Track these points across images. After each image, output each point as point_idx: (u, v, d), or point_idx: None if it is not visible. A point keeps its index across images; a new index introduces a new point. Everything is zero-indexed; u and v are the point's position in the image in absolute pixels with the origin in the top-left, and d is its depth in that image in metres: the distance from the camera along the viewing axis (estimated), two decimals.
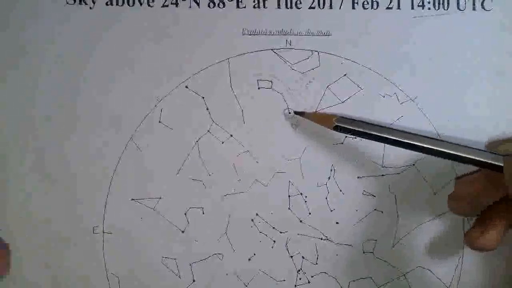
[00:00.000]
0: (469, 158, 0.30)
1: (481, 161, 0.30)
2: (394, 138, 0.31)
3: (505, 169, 0.29)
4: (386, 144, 0.33)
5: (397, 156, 0.35)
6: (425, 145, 0.31)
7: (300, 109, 0.34)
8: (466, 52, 0.35)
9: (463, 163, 0.30)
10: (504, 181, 0.29)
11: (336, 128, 0.32)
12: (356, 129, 0.32)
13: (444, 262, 0.35)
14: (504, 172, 0.29)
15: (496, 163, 0.29)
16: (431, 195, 0.35)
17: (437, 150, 0.30)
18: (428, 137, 0.31)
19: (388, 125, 0.34)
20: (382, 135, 0.31)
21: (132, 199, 0.34)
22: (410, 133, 0.31)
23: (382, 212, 0.35)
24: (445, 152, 0.30)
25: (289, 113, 0.35)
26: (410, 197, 0.35)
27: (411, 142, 0.31)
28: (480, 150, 0.30)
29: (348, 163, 0.35)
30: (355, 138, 0.34)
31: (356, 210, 0.35)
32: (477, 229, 0.32)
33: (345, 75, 0.35)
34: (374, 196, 0.35)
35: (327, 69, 0.35)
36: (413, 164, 0.35)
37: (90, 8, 0.34)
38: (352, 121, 0.33)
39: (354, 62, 0.35)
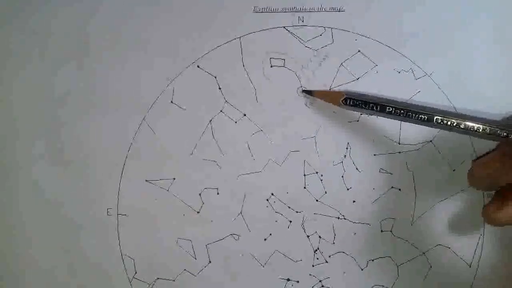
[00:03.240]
0: (485, 130, 0.29)
1: (497, 131, 0.29)
2: (406, 110, 0.30)
3: None
4: (401, 121, 0.33)
5: (414, 132, 0.34)
6: (439, 117, 0.30)
7: (314, 87, 0.34)
8: (480, 24, 0.34)
9: (479, 137, 0.30)
10: None
11: (345, 104, 0.31)
12: (364, 105, 0.31)
13: (465, 239, 0.34)
14: None
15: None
16: (449, 172, 0.34)
17: (451, 123, 0.30)
18: (441, 110, 0.30)
19: (402, 100, 0.33)
20: (393, 109, 0.30)
21: (146, 181, 0.34)
22: (422, 106, 0.31)
23: (399, 189, 0.34)
24: (459, 125, 0.29)
25: (302, 91, 0.34)
26: (428, 174, 0.34)
27: (424, 116, 0.30)
28: (496, 121, 0.30)
29: (364, 141, 0.34)
30: (370, 116, 0.34)
31: (373, 188, 0.34)
32: (494, 203, 0.31)
33: (359, 51, 0.34)
34: (391, 174, 0.34)
35: (340, 46, 0.34)
36: (431, 141, 0.34)
37: None
38: (360, 97, 0.32)
39: (368, 38, 0.34)
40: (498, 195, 0.31)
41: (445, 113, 0.30)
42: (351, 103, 0.31)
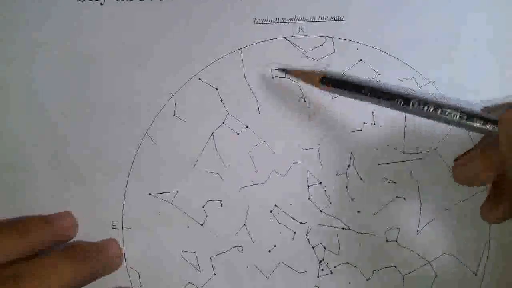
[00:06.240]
0: (462, 119, 0.29)
1: (473, 120, 0.29)
2: (383, 93, 0.30)
3: (500, 122, 0.27)
4: (405, 129, 0.33)
5: (418, 141, 0.34)
6: (415, 101, 0.29)
7: (316, 97, 0.34)
8: (482, 30, 0.34)
9: (457, 126, 0.29)
10: (499, 156, 0.28)
11: (323, 84, 0.31)
12: (342, 85, 0.31)
13: (470, 248, 0.34)
14: (499, 130, 0.27)
15: (492, 117, 0.28)
16: (454, 180, 0.34)
17: (427, 108, 0.29)
18: (421, 96, 0.30)
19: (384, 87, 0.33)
20: (369, 91, 0.30)
21: (150, 194, 0.34)
22: (402, 92, 0.30)
23: (404, 199, 0.34)
24: (436, 111, 0.29)
25: (305, 101, 0.34)
26: (433, 183, 0.34)
27: (401, 100, 0.30)
28: (476, 111, 0.29)
29: (368, 150, 0.34)
30: (373, 124, 0.34)
31: (378, 198, 0.34)
32: (488, 203, 0.31)
33: (360, 60, 0.34)
34: (396, 183, 0.34)
35: (342, 55, 0.34)
36: (435, 149, 0.34)
37: (101, 4, 0.34)
38: (338, 77, 0.32)
39: (370, 46, 0.34)
40: (491, 193, 0.31)
41: (422, 98, 0.30)
42: (329, 83, 0.31)
